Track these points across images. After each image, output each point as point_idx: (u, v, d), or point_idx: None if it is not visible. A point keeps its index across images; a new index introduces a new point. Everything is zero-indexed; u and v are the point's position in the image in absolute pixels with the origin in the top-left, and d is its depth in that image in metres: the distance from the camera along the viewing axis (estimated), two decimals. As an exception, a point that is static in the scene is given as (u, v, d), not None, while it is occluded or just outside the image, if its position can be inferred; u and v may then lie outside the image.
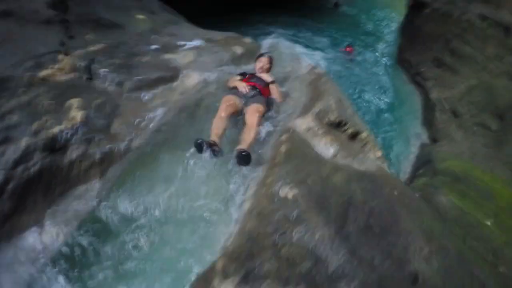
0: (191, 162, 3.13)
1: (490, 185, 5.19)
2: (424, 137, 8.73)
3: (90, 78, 4.11)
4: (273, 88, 4.07)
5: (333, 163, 3.13)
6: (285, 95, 4.33)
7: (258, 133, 3.36)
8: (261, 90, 3.86)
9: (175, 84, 4.01)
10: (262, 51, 5.43)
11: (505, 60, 9.06)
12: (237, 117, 3.64)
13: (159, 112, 3.55)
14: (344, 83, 11.27)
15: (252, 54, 5.06)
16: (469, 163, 6.43)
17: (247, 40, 5.40)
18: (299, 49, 11.11)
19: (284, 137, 3.12)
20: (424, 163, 6.84)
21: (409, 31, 14.44)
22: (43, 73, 3.84)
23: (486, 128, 7.86)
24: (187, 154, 3.16)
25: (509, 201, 4.81)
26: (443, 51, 11.06)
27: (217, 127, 3.22)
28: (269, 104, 3.93)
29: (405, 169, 7.33)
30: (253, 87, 3.82)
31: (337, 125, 3.67)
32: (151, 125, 3.43)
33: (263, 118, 3.62)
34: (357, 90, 11.09)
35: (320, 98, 3.78)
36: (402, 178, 6.77)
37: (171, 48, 4.60)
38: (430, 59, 11.53)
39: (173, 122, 3.46)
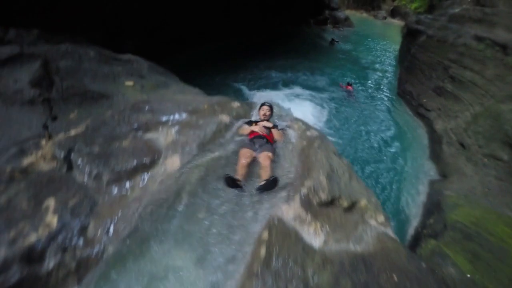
0: (170, 262, 2.91)
1: (505, 241, 4.74)
2: (433, 173, 8.32)
3: (69, 169, 3.99)
4: (275, 132, 4.73)
5: (322, 254, 2.86)
6: (283, 134, 4.85)
7: (272, 170, 3.95)
8: (267, 138, 4.50)
9: (155, 170, 3.82)
10: (253, 111, 5.33)
11: (507, 80, 8.76)
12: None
13: (137, 207, 3.35)
14: (345, 122, 11.20)
15: (242, 118, 4.90)
16: (482, 206, 6.01)
17: (235, 104, 5.20)
18: (295, 103, 11.49)
19: (265, 234, 2.87)
20: (434, 207, 6.43)
21: (407, 61, 14.30)
22: (26, 161, 3.75)
23: (497, 159, 7.43)
24: (166, 255, 2.95)
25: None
26: (443, 79, 10.81)
27: (241, 171, 3.90)
28: (274, 148, 4.52)
29: (415, 214, 6.90)
30: (261, 137, 4.46)
31: (330, 203, 3.42)
32: (128, 224, 3.23)
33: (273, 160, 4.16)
34: (359, 129, 10.85)
35: (310, 174, 3.54)
36: (411, 228, 6.40)
37: (153, 125, 4.45)
38: (431, 88, 11.27)
39: (152, 218, 3.25)
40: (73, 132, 4.51)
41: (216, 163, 3.94)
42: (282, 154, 4.44)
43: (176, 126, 4.47)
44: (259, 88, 12.80)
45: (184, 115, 4.65)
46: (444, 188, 7.14)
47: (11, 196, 3.32)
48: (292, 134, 4.81)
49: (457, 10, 12.67)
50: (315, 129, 4.95)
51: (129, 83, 6.33)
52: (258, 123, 4.76)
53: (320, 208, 3.33)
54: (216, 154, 4.07)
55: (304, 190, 3.34)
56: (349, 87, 14.02)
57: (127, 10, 10.68)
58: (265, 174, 3.85)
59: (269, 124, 4.82)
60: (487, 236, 4.86)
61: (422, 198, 7.46)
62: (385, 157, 9.28)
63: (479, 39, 10.32)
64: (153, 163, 3.95)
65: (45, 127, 4.65)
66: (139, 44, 10.81)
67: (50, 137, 4.37)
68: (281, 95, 12.45)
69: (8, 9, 7.17)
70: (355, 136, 10.28)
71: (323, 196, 3.33)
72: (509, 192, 6.71)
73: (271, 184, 3.68)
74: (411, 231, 6.47)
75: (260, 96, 11.36)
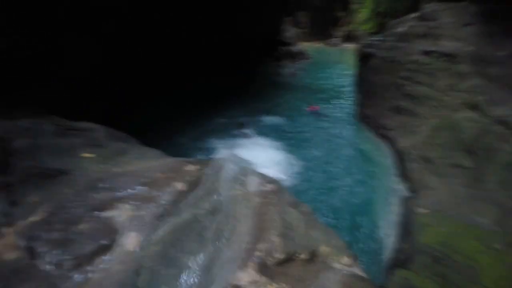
0: None
1: (472, 258, 4.83)
2: (402, 190, 8.48)
3: (32, 257, 3.90)
4: None
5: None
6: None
7: None
8: None
9: (115, 251, 3.78)
10: (209, 170, 5.29)
11: (458, 88, 9.18)
12: None
13: (98, 293, 3.28)
14: (309, 151, 11.40)
15: (197, 182, 4.90)
16: (451, 220, 6.14)
17: (190, 167, 5.24)
18: (259, 146, 11.54)
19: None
20: (405, 229, 6.54)
21: (363, 85, 14.78)
22: None
23: (460, 167, 7.66)
24: None
25: (493, 278, 4.46)
26: (398, 97, 11.23)
27: None
28: None
29: (389, 237, 6.96)
30: None
31: (287, 260, 3.44)
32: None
33: None
34: (323, 158, 10.99)
35: (263, 235, 3.57)
36: (387, 253, 6.44)
37: (109, 203, 4.43)
38: (388, 109, 11.67)
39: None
40: (33, 218, 4.42)
41: (172, 236, 3.91)
42: (239, 215, 4.42)
43: (132, 201, 4.44)
44: (220, 137, 12.63)
45: (139, 189, 4.64)
46: (415, 205, 7.24)
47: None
48: (249, 188, 4.83)
49: (403, 28, 13.39)
50: (272, 182, 4.98)
51: (87, 155, 6.29)
52: None
53: (277, 267, 3.33)
54: (172, 226, 4.04)
55: (258, 254, 3.35)
56: (312, 108, 15.79)
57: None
58: None
59: None
60: (455, 256, 4.90)
61: (394, 218, 7.54)
62: (352, 182, 9.38)
63: (426, 53, 10.91)
64: (112, 243, 3.88)
65: (5, 214, 4.56)
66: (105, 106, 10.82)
67: (11, 225, 4.28)
68: (243, 141, 12.42)
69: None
70: (320, 165, 10.43)
71: (278, 256, 3.34)
72: (476, 197, 6.84)
73: None
74: (387, 255, 6.48)
75: (219, 150, 11.30)
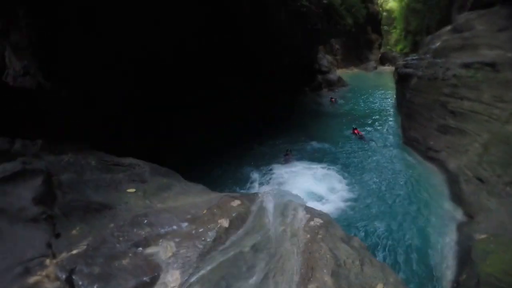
0: None
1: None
2: (458, 215, 7.83)
3: None
4: None
5: None
6: None
7: None
8: None
9: (156, 288, 3.73)
10: (255, 206, 5.17)
11: (506, 99, 8.64)
12: None
13: None
14: (358, 178, 11.04)
15: (243, 218, 4.79)
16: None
17: (236, 202, 5.17)
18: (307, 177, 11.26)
19: None
20: (465, 258, 5.93)
21: (405, 107, 14.36)
22: (31, 281, 3.74)
23: (519, 185, 7.01)
24: None
25: None
26: (444, 116, 10.70)
27: None
28: None
29: (447, 267, 6.35)
30: None
31: (339, 301, 3.21)
32: None
33: None
34: (374, 186, 10.52)
35: (313, 275, 3.38)
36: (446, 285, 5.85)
37: (152, 240, 4.43)
38: (434, 129, 11.10)
39: None
40: (75, 251, 4.52)
41: (218, 275, 3.81)
42: (285, 253, 4.24)
43: (175, 239, 4.42)
44: (266, 171, 12.39)
45: (183, 225, 4.63)
46: (473, 230, 6.69)
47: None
48: (296, 223, 4.63)
49: (438, 43, 13.03)
50: (320, 215, 4.81)
51: (131, 190, 6.45)
52: None
53: None
54: (216, 263, 3.94)
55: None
56: (356, 131, 15.75)
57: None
58: None
59: None
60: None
61: (452, 246, 6.94)
62: (406, 210, 8.86)
63: (466, 66, 10.45)
64: (154, 281, 3.85)
65: (49, 245, 4.70)
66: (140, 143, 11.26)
67: (54, 256, 4.40)
68: (290, 169, 12.22)
69: (12, 119, 7.65)
70: (371, 193, 9.99)
71: None
72: (541, 218, 6.17)
73: None
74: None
75: (265, 182, 11.27)
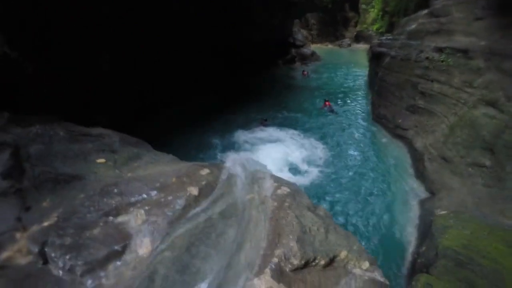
0: None
1: (498, 262, 4.59)
2: (421, 191, 8.25)
3: (45, 262, 3.90)
4: None
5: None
6: None
7: None
8: None
9: (128, 256, 3.72)
10: (223, 174, 5.19)
11: (475, 84, 8.94)
12: None
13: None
14: (327, 153, 11.23)
15: (212, 187, 4.81)
16: (473, 221, 5.90)
17: (205, 171, 5.16)
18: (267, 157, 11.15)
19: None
20: (425, 231, 6.31)
21: (377, 85, 14.58)
22: (3, 256, 3.67)
23: (481, 166, 7.42)
24: None
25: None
26: (414, 96, 11.01)
27: None
28: None
29: (410, 239, 6.76)
30: None
31: (305, 265, 3.32)
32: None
33: None
34: (340, 159, 10.82)
35: (280, 240, 3.46)
36: (408, 256, 6.24)
37: (122, 208, 4.38)
38: (404, 108, 11.44)
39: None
40: (46, 223, 4.42)
41: (187, 241, 3.83)
42: (254, 221, 4.32)
43: (145, 207, 4.39)
44: (238, 143, 12.50)
45: (152, 194, 4.59)
46: (434, 206, 7.06)
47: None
48: (263, 192, 4.72)
49: (414, 26, 13.20)
50: (288, 184, 4.89)
51: (101, 160, 6.28)
52: None
53: (295, 274, 3.23)
54: (185, 230, 3.96)
55: (275, 260, 3.24)
56: (327, 103, 16.12)
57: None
58: None
59: None
60: (479, 260, 4.72)
61: (414, 220, 7.35)
62: (370, 184, 9.23)
63: (440, 50, 10.73)
64: (125, 249, 3.84)
65: (19, 219, 4.57)
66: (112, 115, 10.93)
67: (24, 229, 4.29)
68: (257, 142, 12.37)
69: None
70: (338, 167, 10.29)
71: (296, 262, 3.25)
72: (498, 197, 6.64)
73: None
74: (408, 258, 6.29)
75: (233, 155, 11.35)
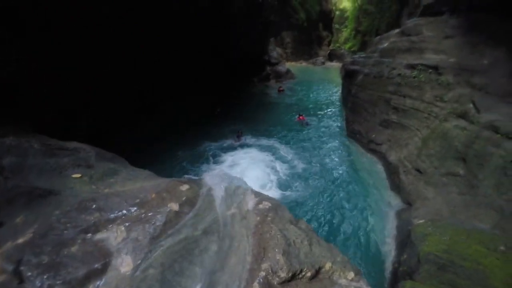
0: None
1: (479, 263, 4.78)
2: (397, 203, 8.46)
3: (20, 282, 3.66)
4: None
5: None
6: None
7: None
8: None
9: (108, 275, 3.57)
10: (203, 190, 5.14)
11: (445, 99, 9.39)
12: None
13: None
14: (303, 167, 11.35)
15: (192, 202, 4.75)
16: (451, 227, 6.10)
17: (184, 187, 5.10)
18: (252, 165, 11.41)
19: None
20: (405, 240, 6.45)
21: (350, 102, 14.99)
22: None
23: (454, 175, 7.69)
24: None
25: (503, 279, 4.40)
26: (387, 112, 11.38)
27: None
28: None
29: (389, 249, 6.87)
30: None
31: (292, 277, 3.35)
32: None
33: None
34: (318, 176, 10.85)
35: (265, 254, 3.49)
36: (389, 265, 6.34)
37: (101, 225, 4.23)
38: (377, 123, 11.77)
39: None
40: (20, 240, 4.19)
41: (170, 258, 3.75)
42: (237, 236, 4.30)
43: (125, 223, 4.26)
44: (215, 157, 12.50)
45: (132, 210, 4.48)
46: (412, 216, 7.22)
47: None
48: (245, 207, 4.72)
49: (386, 44, 13.74)
50: (269, 199, 4.93)
51: (77, 175, 6.09)
52: None
53: (283, 286, 3.26)
54: (168, 247, 3.88)
55: (261, 274, 3.26)
56: (302, 117, 17.06)
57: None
58: None
59: None
60: (461, 262, 4.86)
61: (392, 231, 7.48)
62: (347, 197, 9.33)
63: (412, 66, 11.17)
64: (105, 267, 3.68)
65: (-9, 239, 4.30)
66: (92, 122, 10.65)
67: None
68: (236, 159, 12.26)
69: None
70: (315, 181, 10.37)
71: (283, 274, 3.29)
72: (473, 204, 6.84)
73: None
74: (389, 268, 6.37)
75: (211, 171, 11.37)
